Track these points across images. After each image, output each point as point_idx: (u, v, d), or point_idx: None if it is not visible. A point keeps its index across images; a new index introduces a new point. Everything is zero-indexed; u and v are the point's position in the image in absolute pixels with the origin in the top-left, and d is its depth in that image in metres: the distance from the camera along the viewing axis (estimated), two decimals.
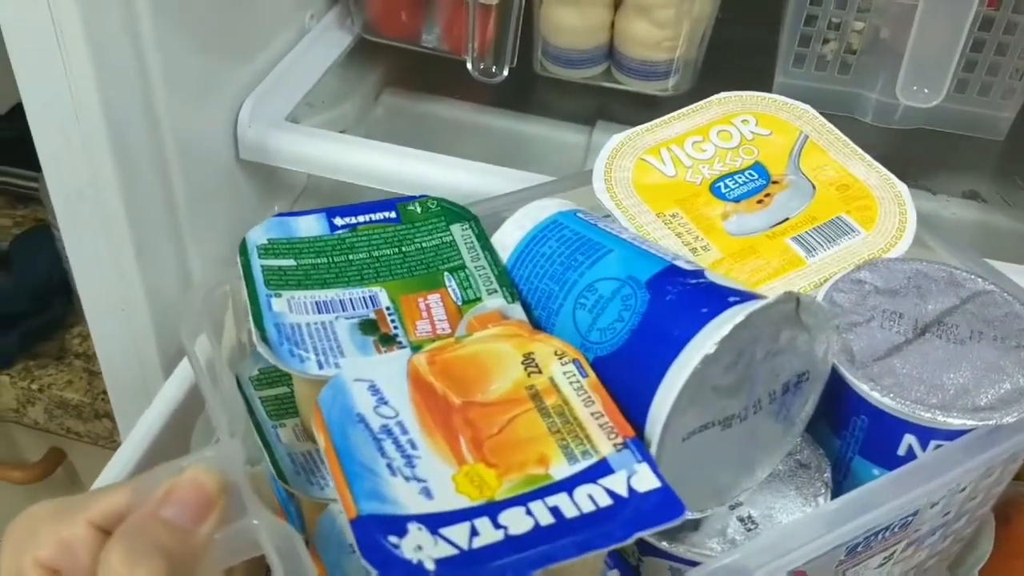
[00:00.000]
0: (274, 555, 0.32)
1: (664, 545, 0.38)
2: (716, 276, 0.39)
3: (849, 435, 0.42)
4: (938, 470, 0.38)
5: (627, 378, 0.36)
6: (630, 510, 0.32)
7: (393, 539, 0.30)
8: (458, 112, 0.77)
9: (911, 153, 0.68)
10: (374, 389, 0.35)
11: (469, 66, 0.67)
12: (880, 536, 0.41)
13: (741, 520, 0.39)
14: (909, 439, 0.41)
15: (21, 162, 0.91)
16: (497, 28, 0.65)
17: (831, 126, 0.52)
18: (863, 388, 0.40)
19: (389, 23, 0.73)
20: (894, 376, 0.40)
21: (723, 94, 0.54)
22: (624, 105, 0.71)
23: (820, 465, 0.41)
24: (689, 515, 0.37)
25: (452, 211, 0.45)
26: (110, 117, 0.51)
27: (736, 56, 0.70)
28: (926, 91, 0.59)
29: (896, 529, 0.42)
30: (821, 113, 0.53)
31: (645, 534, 0.31)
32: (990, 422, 0.39)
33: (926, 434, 0.40)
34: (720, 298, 0.36)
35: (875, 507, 0.37)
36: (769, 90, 0.54)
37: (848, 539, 0.37)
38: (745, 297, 0.36)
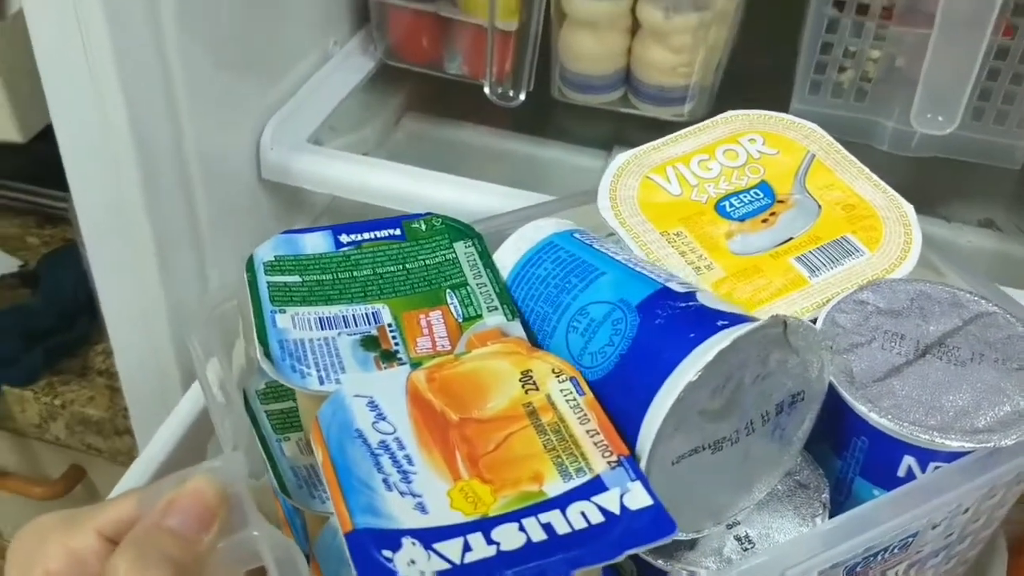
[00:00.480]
0: (273, 566, 0.33)
1: (660, 563, 0.38)
2: (707, 299, 0.39)
3: (849, 456, 0.42)
4: (936, 491, 0.38)
5: (618, 402, 0.37)
6: (622, 527, 0.32)
7: (387, 553, 0.31)
8: (478, 137, 0.78)
9: (927, 181, 0.68)
10: (373, 405, 0.36)
11: (487, 90, 0.68)
12: (880, 556, 0.41)
13: (738, 539, 0.40)
14: (908, 460, 0.41)
15: (51, 183, 0.92)
16: (515, 53, 0.66)
17: (838, 146, 0.52)
18: (862, 409, 0.40)
19: (411, 49, 0.74)
20: (893, 397, 0.41)
21: (730, 112, 0.54)
22: (641, 130, 0.72)
23: (819, 485, 0.41)
24: (684, 535, 0.38)
25: (456, 229, 0.45)
26: (137, 137, 0.53)
27: (753, 83, 0.70)
28: (940, 119, 0.59)
29: (896, 550, 0.42)
30: (837, 140, 0.53)
31: (636, 552, 0.32)
32: (989, 444, 0.39)
33: (925, 456, 0.40)
34: (708, 322, 0.36)
35: (871, 527, 0.37)
36: None
37: (844, 559, 0.37)
38: (734, 321, 0.36)
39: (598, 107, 0.72)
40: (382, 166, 0.64)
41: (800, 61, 0.65)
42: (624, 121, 0.72)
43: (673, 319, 0.37)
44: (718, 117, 0.54)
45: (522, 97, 0.67)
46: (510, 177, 0.62)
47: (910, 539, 0.42)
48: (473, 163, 0.72)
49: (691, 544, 0.39)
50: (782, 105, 0.66)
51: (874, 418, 0.40)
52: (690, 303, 0.38)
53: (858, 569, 0.41)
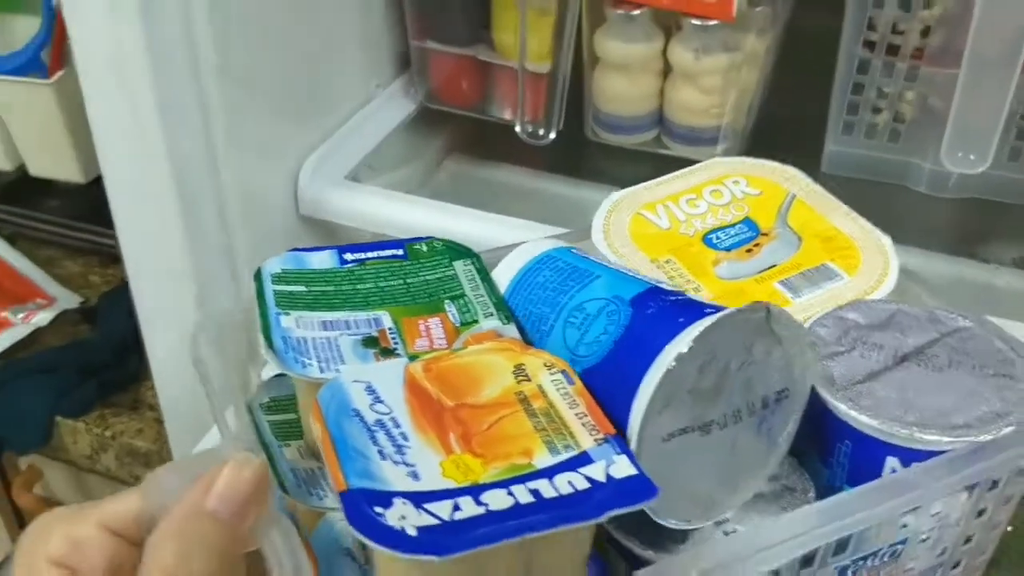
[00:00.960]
0: (268, 548, 0.34)
1: (649, 554, 0.39)
2: (695, 296, 0.41)
3: (836, 463, 0.43)
4: (914, 484, 0.39)
5: (612, 385, 0.38)
6: (606, 492, 0.33)
7: (378, 509, 0.32)
8: (516, 178, 0.80)
9: (962, 222, 0.69)
10: (370, 389, 0.38)
11: (517, 128, 0.71)
12: (868, 561, 0.42)
13: (726, 535, 0.40)
14: (892, 462, 0.42)
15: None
16: (546, 94, 0.70)
17: (818, 186, 0.55)
18: (842, 408, 0.42)
19: (451, 92, 0.77)
20: (873, 398, 0.42)
21: (714, 159, 0.57)
22: (673, 171, 0.73)
23: (805, 488, 0.42)
24: (674, 525, 0.39)
25: (456, 250, 0.48)
26: (178, 178, 0.56)
27: (787, 125, 0.72)
28: (972, 157, 0.59)
29: (885, 557, 0.42)
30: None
31: (617, 512, 0.33)
32: (967, 439, 0.40)
33: (907, 455, 0.41)
34: (696, 309, 0.38)
35: (848, 515, 0.38)
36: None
37: (819, 544, 0.38)
38: (720, 309, 0.38)
39: (632, 148, 0.73)
40: (416, 202, 0.66)
41: (833, 102, 0.66)
42: (658, 161, 0.73)
43: (664, 309, 0.39)
44: (704, 163, 0.57)
45: (552, 136, 0.69)
46: (548, 216, 0.63)
47: (899, 546, 0.42)
48: (513, 203, 0.74)
49: (681, 537, 0.40)
50: (816, 146, 0.66)
51: (854, 416, 0.41)
52: (679, 297, 0.40)
53: (849, 573, 0.42)
